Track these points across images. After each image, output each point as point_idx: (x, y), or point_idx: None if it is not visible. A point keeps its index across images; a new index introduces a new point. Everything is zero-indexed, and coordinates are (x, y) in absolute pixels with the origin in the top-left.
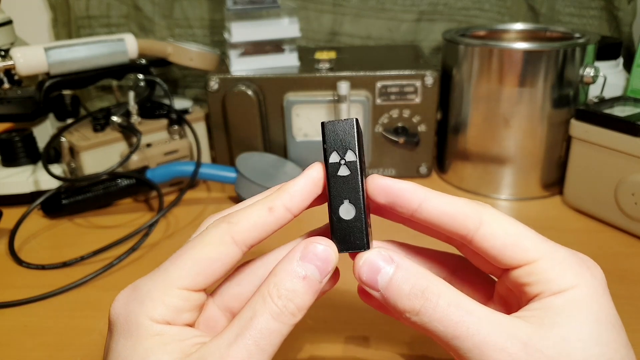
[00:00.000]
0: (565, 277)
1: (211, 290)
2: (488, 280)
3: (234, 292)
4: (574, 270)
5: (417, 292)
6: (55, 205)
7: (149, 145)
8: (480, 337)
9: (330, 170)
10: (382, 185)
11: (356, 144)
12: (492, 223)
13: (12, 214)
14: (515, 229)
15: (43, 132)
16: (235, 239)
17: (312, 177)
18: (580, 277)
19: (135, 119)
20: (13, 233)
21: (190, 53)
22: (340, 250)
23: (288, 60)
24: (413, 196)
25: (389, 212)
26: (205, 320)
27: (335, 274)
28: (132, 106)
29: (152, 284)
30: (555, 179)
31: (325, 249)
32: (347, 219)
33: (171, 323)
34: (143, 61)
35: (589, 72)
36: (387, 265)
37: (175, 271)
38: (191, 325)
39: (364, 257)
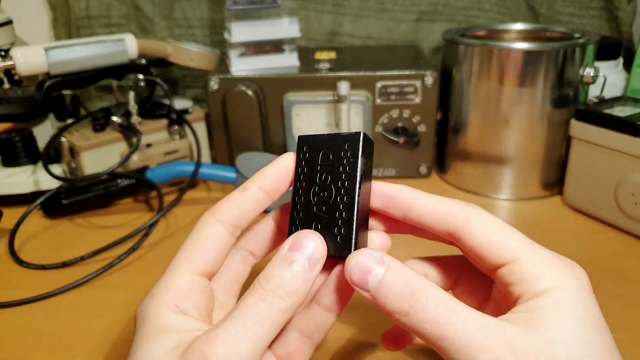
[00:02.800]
0: (547, 278)
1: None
2: (490, 284)
3: (222, 268)
4: (556, 271)
5: (406, 293)
6: (55, 205)
7: (149, 145)
8: (467, 338)
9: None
10: (375, 190)
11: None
12: (480, 221)
13: (12, 214)
14: (501, 228)
15: (43, 132)
16: (217, 219)
17: (282, 164)
18: (562, 278)
19: (135, 119)
20: (13, 233)
21: (190, 53)
22: (329, 254)
23: (288, 61)
24: (405, 197)
25: (390, 224)
26: None
27: (349, 290)
28: (132, 106)
29: (160, 281)
30: (555, 179)
31: (313, 237)
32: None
33: (181, 307)
34: (143, 61)
35: (588, 72)
36: (377, 267)
37: (177, 261)
38: (204, 316)
39: (355, 258)
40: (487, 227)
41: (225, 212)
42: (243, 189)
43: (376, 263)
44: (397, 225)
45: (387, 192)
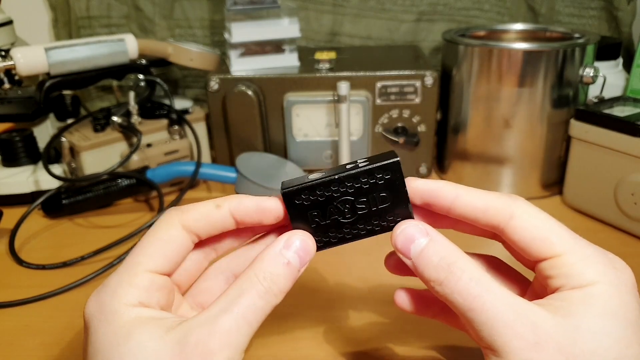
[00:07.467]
0: (587, 274)
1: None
2: (522, 281)
3: (202, 287)
4: (598, 267)
5: (444, 264)
6: (56, 205)
7: (149, 145)
8: (493, 312)
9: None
10: (416, 187)
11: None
12: (523, 216)
13: (12, 214)
14: (544, 223)
15: (43, 132)
16: (183, 225)
17: (263, 206)
18: (603, 274)
19: (135, 119)
20: (13, 233)
21: (190, 53)
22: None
23: (288, 61)
24: (446, 194)
25: (432, 219)
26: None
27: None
28: (133, 106)
29: (118, 276)
30: (554, 179)
31: (305, 240)
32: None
33: (145, 304)
34: (143, 61)
35: (588, 72)
36: (421, 237)
37: (135, 258)
38: (165, 309)
39: (401, 227)
40: (530, 223)
41: (192, 222)
42: (217, 206)
43: (421, 234)
44: (439, 219)
45: (428, 190)
